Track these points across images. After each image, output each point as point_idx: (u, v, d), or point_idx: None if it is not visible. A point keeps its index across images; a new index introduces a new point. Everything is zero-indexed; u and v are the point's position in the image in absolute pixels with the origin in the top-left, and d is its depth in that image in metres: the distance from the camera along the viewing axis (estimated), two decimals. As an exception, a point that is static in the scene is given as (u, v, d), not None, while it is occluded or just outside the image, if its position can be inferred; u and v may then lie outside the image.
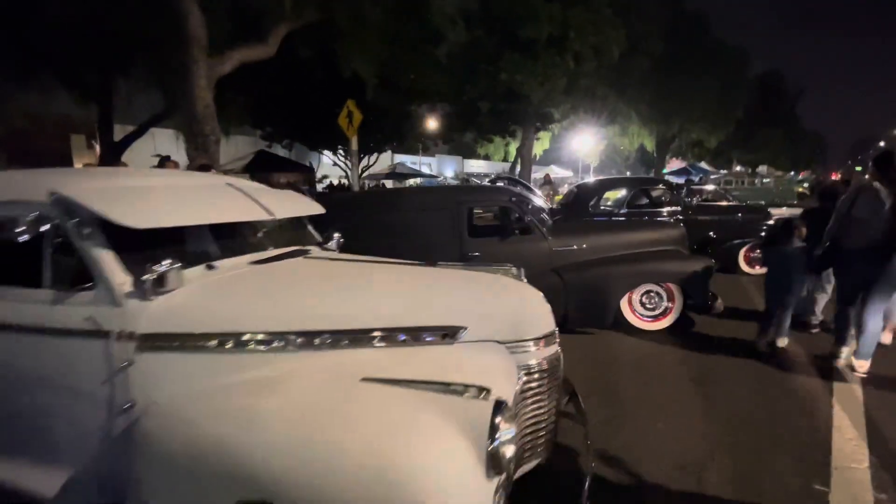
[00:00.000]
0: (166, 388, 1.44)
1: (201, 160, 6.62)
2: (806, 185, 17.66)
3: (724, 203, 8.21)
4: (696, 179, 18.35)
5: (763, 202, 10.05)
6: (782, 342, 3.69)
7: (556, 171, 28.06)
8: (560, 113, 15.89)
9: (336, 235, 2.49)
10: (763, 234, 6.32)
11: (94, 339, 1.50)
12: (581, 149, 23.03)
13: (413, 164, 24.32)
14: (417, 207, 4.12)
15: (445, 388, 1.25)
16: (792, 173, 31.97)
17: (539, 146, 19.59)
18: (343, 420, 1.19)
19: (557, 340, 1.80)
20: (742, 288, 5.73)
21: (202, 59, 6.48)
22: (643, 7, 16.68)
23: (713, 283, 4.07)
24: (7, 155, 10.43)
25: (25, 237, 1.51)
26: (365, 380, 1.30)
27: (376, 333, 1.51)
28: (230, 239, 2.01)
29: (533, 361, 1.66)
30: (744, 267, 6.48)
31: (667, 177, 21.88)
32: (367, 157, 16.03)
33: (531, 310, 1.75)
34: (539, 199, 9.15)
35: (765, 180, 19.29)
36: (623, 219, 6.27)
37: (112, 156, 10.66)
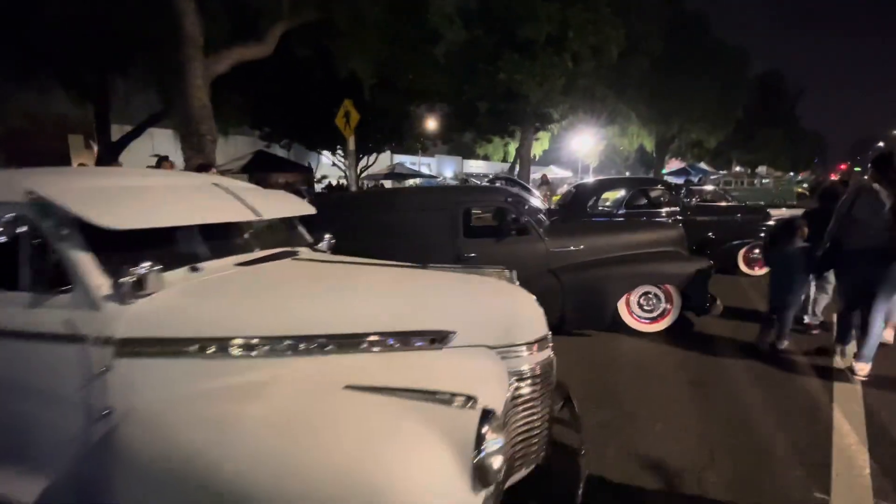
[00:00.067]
0: (145, 394, 1.39)
1: (198, 160, 6.59)
2: (805, 185, 17.64)
3: (724, 204, 8.17)
4: (696, 180, 18.32)
5: (762, 203, 10.02)
6: (783, 343, 3.65)
7: (555, 172, 28.04)
8: (559, 113, 15.85)
9: (327, 236, 2.44)
10: (762, 234, 6.28)
11: (70, 344, 1.45)
12: (580, 149, 23.00)
13: (412, 164, 24.28)
14: (413, 208, 4.07)
15: (431, 396, 1.20)
16: (791, 174, 31.97)
17: (538, 146, 19.56)
18: (322, 429, 1.15)
19: (550, 345, 1.75)
20: (741, 289, 5.69)
21: (198, 59, 6.43)
22: (643, 7, 16.64)
23: (712, 285, 4.03)
24: (5, 155, 10.40)
25: (2, 239, 1.46)
26: (348, 387, 1.25)
27: (362, 338, 1.46)
28: (216, 240, 1.96)
29: (525, 367, 1.61)
30: (743, 268, 6.43)
31: (666, 177, 21.87)
32: (365, 158, 15.98)
33: (523, 313, 1.70)
34: (537, 200, 9.13)
35: (764, 181, 19.27)
36: (621, 219, 6.22)
37: (109, 156, 10.62)
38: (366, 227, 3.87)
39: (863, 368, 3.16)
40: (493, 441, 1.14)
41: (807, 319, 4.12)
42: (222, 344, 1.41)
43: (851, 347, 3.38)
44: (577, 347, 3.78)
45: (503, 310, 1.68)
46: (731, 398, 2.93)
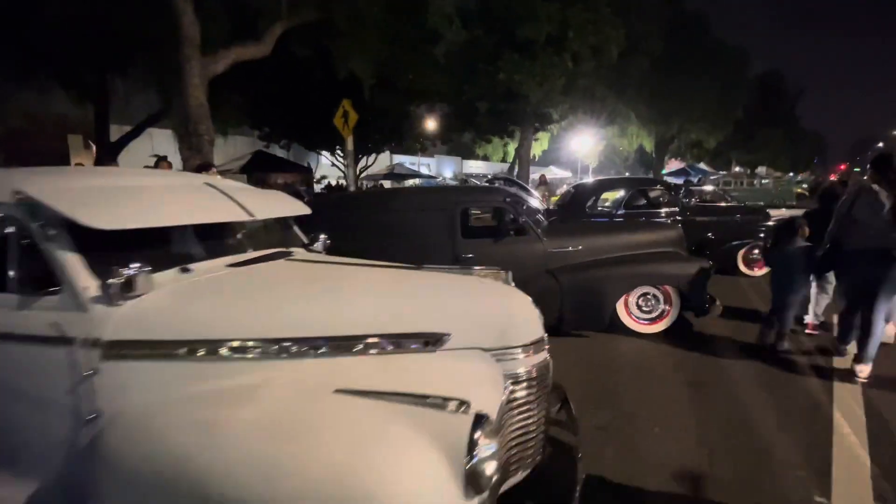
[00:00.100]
0: (133, 397, 1.37)
1: (196, 160, 6.57)
2: (805, 186, 17.63)
3: (723, 204, 8.15)
4: (695, 180, 18.32)
5: (762, 203, 10.00)
6: (783, 343, 3.64)
7: (554, 172, 28.03)
8: (559, 113, 15.81)
9: (322, 237, 2.42)
10: (762, 235, 6.27)
11: (58, 346, 1.43)
12: (580, 149, 22.98)
13: (412, 164, 24.27)
14: (411, 208, 4.05)
15: (423, 400, 1.18)
16: (791, 174, 31.97)
17: (538, 147, 19.53)
18: (312, 434, 1.12)
19: (547, 347, 1.73)
20: (741, 290, 5.67)
21: (196, 58, 6.41)
22: (643, 7, 16.62)
23: (711, 285, 4.01)
24: (5, 155, 10.39)
25: (-10, 239, 1.44)
26: (339, 391, 1.23)
27: (354, 340, 1.44)
28: (208, 241, 1.94)
29: (521, 370, 1.59)
30: (742, 268, 6.41)
31: (665, 177, 21.86)
32: (365, 158, 15.96)
33: (519, 315, 1.68)
34: (535, 200, 9.10)
35: (763, 181, 19.30)
36: (620, 220, 6.20)
37: (108, 156, 10.60)
38: (364, 227, 3.86)
39: (863, 370, 3.14)
40: (487, 446, 1.12)
41: (807, 319, 4.10)
42: (212, 346, 1.39)
43: (852, 348, 3.37)
44: (575, 348, 3.76)
45: (498, 312, 1.65)
46: (730, 399, 2.91)
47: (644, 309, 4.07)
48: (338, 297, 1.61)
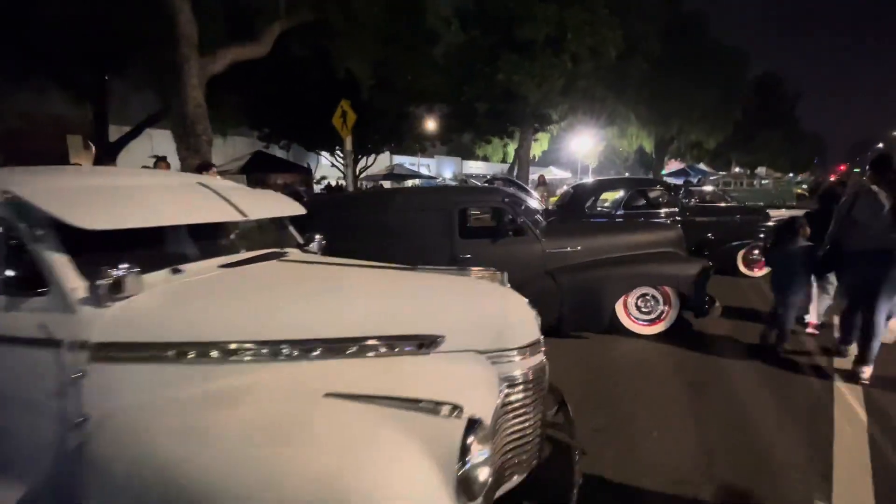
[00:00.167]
0: (120, 401, 1.34)
1: (194, 160, 6.55)
2: (805, 186, 17.62)
3: (723, 204, 8.13)
4: (695, 181, 18.30)
5: (762, 203, 9.98)
6: (784, 344, 3.63)
7: (554, 173, 28.04)
8: (558, 114, 15.80)
9: (318, 237, 2.39)
10: (762, 235, 6.24)
11: (45, 349, 1.41)
12: (580, 150, 22.96)
13: (412, 165, 24.25)
14: (408, 208, 4.03)
15: (414, 405, 1.15)
16: (791, 175, 31.96)
17: (538, 147, 19.51)
18: (301, 439, 1.10)
19: (543, 349, 1.70)
20: (740, 290, 5.64)
21: (193, 58, 6.39)
22: (641, 7, 16.61)
23: (711, 286, 3.98)
24: (4, 155, 10.37)
25: (-24, 239, 1.42)
26: (329, 395, 1.20)
27: (346, 343, 1.41)
28: (201, 241, 1.91)
29: (516, 372, 1.56)
30: (742, 269, 6.38)
31: (665, 178, 21.84)
32: (364, 159, 15.95)
33: (514, 317, 1.65)
34: (534, 201, 9.08)
35: (763, 182, 19.27)
36: (619, 220, 6.18)
37: (107, 156, 10.58)
38: (361, 227, 3.83)
39: (865, 371, 3.12)
40: (480, 452, 1.09)
41: (808, 319, 4.08)
42: (201, 349, 1.36)
43: (853, 349, 3.35)
44: (573, 350, 3.73)
45: (494, 313, 1.62)
46: (730, 400, 2.89)
47: (643, 310, 4.04)
48: (330, 299, 1.59)
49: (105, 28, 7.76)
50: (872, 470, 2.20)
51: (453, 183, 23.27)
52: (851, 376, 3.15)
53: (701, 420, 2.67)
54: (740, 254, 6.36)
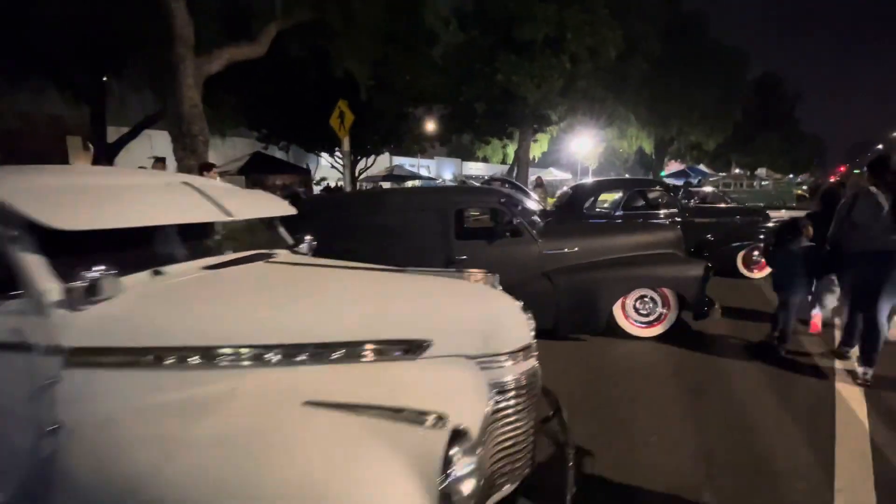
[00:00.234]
0: (95, 408, 1.29)
1: (191, 161, 6.52)
2: (805, 187, 17.56)
3: (722, 205, 8.08)
4: (695, 181, 18.26)
5: (762, 204, 9.93)
6: (785, 344, 3.59)
7: (554, 174, 27.99)
8: (557, 115, 15.75)
9: (308, 238, 2.34)
10: (762, 236, 6.19)
11: (18, 353, 1.36)
12: (579, 151, 22.92)
13: (411, 166, 24.22)
14: (404, 208, 3.99)
15: (395, 414, 1.10)
16: (791, 176, 31.93)
17: (537, 148, 19.46)
18: (275, 451, 1.05)
19: (535, 354, 1.65)
20: (740, 292, 5.59)
21: (189, 58, 6.36)
22: (641, 8, 16.59)
23: (710, 288, 3.93)
24: (3, 156, 10.34)
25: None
26: (308, 403, 1.15)
27: (329, 348, 1.36)
28: (185, 242, 1.86)
29: (508, 378, 1.51)
30: (742, 270, 6.33)
31: (665, 179, 21.79)
32: (364, 160, 15.91)
33: (505, 321, 1.60)
34: (532, 202, 9.03)
35: (763, 183, 19.22)
36: (617, 221, 6.13)
37: (106, 157, 10.55)
38: (356, 228, 3.79)
39: (866, 372, 3.10)
40: (465, 464, 1.04)
41: (814, 312, 4.04)
42: (179, 354, 1.31)
43: (854, 350, 3.32)
44: (571, 353, 3.68)
45: (484, 317, 1.57)
46: (730, 408, 2.83)
47: (642, 312, 3.99)
48: (314, 302, 1.53)
49: (103, 28, 7.73)
50: (874, 471, 2.16)
51: (452, 184, 23.23)
52: (853, 377, 3.13)
53: (701, 423, 2.62)
54: (740, 255, 6.31)
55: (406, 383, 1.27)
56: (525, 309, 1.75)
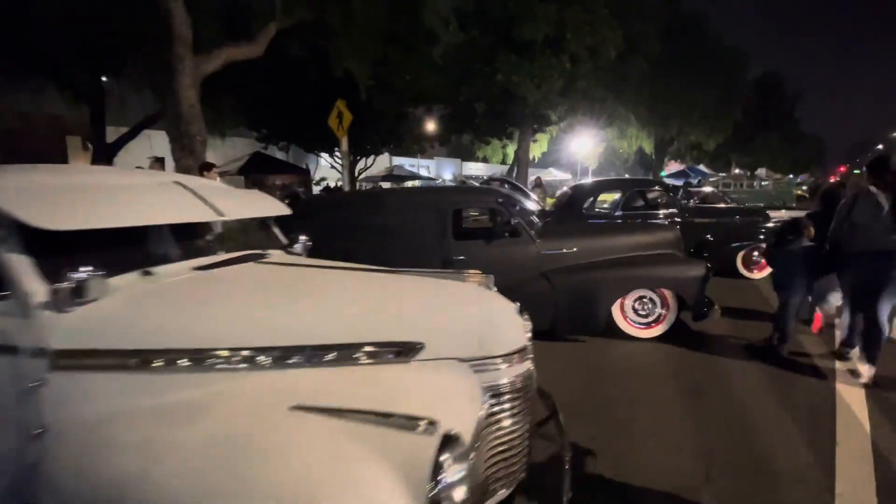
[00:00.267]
0: (81, 411, 1.27)
1: (189, 161, 6.50)
2: (805, 187, 17.52)
3: (722, 205, 8.05)
4: (695, 182, 18.21)
5: (762, 204, 9.90)
6: (785, 344, 3.57)
7: (554, 174, 27.96)
8: (557, 115, 15.71)
9: (302, 238, 2.32)
10: (762, 236, 6.16)
11: (3, 355, 1.33)
12: (579, 151, 22.88)
13: (411, 166, 24.19)
14: (401, 208, 3.96)
15: (384, 420, 1.07)
16: (791, 176, 31.89)
17: (537, 149, 19.43)
18: (261, 457, 1.02)
19: (531, 356, 1.62)
20: (740, 292, 5.56)
21: (187, 58, 6.33)
22: (641, 8, 16.56)
23: (710, 288, 3.90)
24: (2, 156, 10.33)
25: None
26: (296, 408, 1.13)
27: (319, 351, 1.34)
28: (176, 242, 1.84)
29: (502, 381, 1.48)
30: (742, 270, 6.30)
31: (665, 179, 21.76)
32: (364, 160, 15.88)
33: (500, 323, 1.57)
34: (531, 202, 9.01)
35: (763, 183, 19.18)
36: (616, 221, 6.10)
37: (105, 157, 10.53)
38: (355, 228, 3.77)
39: (867, 371, 3.08)
40: (455, 471, 1.01)
41: (817, 312, 4.03)
42: (166, 357, 1.29)
43: (855, 351, 3.31)
44: (570, 353, 3.65)
45: (478, 319, 1.54)
46: (729, 409, 2.81)
47: (640, 312, 3.96)
48: (305, 303, 1.51)
49: (103, 28, 7.72)
50: (875, 472, 2.14)
51: (451, 184, 23.21)
52: (854, 377, 3.11)
53: (701, 424, 2.60)
54: (740, 255, 6.28)
55: (398, 387, 1.25)
56: (522, 311, 1.73)
